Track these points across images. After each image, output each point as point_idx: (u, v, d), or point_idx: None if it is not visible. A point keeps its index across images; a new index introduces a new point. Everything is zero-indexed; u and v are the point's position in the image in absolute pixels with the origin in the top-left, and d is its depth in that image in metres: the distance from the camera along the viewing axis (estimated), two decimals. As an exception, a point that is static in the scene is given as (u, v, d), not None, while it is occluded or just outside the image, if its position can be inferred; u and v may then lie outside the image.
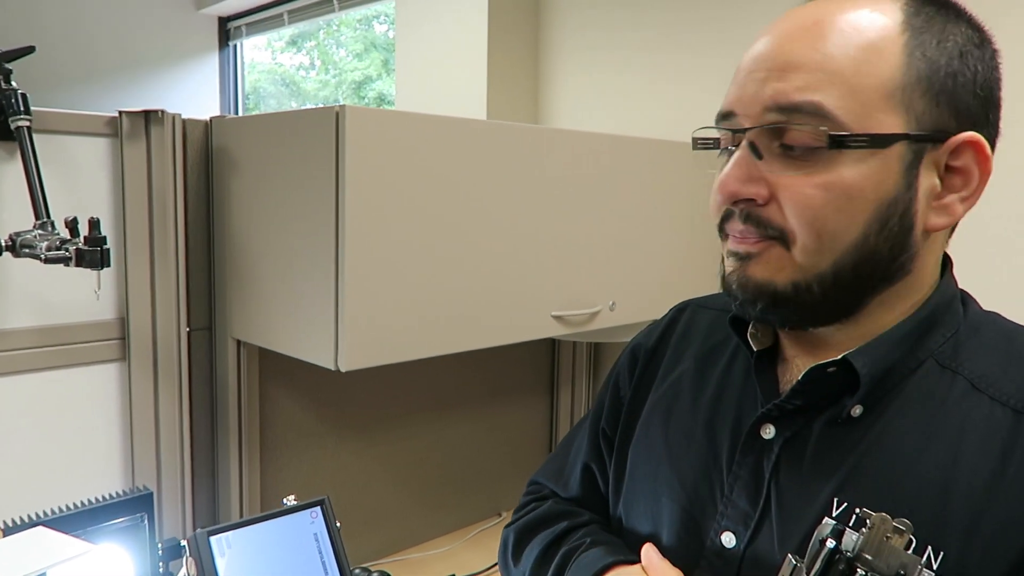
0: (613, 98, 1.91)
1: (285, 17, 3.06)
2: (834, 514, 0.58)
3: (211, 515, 1.39)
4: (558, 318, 1.37)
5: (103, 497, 0.93)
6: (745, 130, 0.59)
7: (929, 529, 0.55)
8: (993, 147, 0.60)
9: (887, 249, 0.58)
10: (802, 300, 0.59)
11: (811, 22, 0.58)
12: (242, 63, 3.52)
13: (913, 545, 0.55)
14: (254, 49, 3.79)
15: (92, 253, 0.90)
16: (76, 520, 0.89)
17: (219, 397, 1.35)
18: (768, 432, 0.64)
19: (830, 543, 0.54)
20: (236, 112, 3.48)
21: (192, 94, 3.34)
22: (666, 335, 0.81)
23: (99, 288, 1.02)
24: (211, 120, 1.30)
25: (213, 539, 0.68)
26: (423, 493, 1.69)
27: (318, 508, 0.74)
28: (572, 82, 1.99)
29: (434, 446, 1.69)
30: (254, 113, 3.82)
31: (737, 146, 0.60)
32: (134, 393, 1.26)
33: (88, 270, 0.99)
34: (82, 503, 0.92)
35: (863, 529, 0.53)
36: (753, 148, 0.58)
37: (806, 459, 0.62)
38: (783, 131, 0.57)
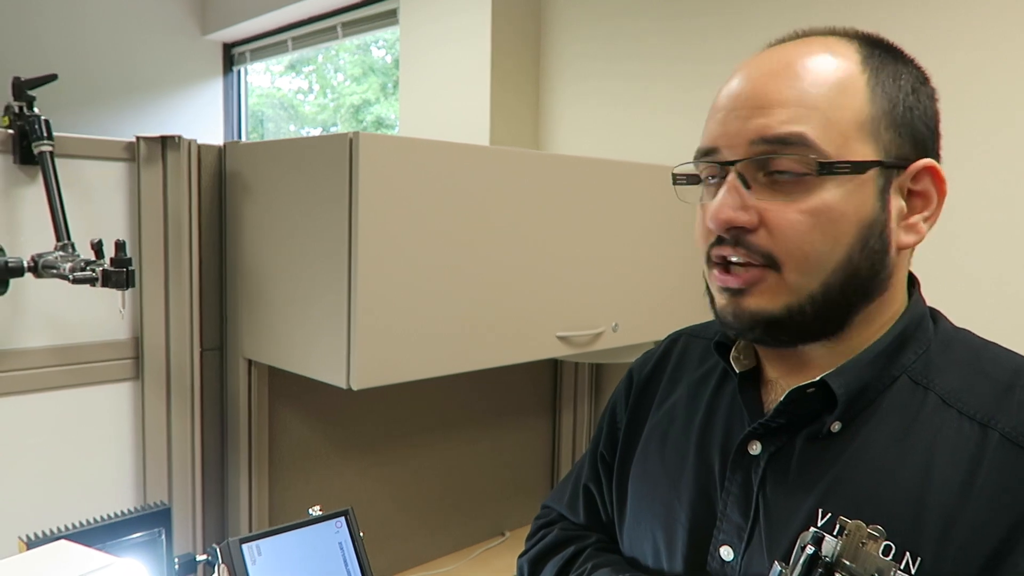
0: (611, 126, 1.95)
1: (289, 43, 3.12)
2: (819, 524, 0.62)
3: (220, 532, 1.41)
4: (563, 339, 1.40)
5: (121, 512, 0.95)
6: (733, 162, 0.63)
7: (906, 536, 0.59)
8: None
9: (868, 267, 0.63)
10: (795, 321, 0.64)
11: (783, 64, 0.64)
12: (246, 88, 3.57)
13: (892, 551, 0.59)
14: (253, 73, 3.85)
15: (118, 274, 0.93)
16: (96, 534, 0.91)
17: (229, 416, 1.38)
18: (755, 448, 0.68)
19: (809, 549, 0.57)
20: (240, 136, 3.53)
21: (196, 119, 3.39)
22: (661, 364, 0.85)
23: (124, 308, 1.05)
24: (225, 145, 1.34)
25: (244, 547, 0.71)
26: (427, 513, 1.71)
27: (342, 518, 0.76)
28: (572, 111, 2.04)
29: (438, 466, 1.71)
30: (254, 136, 3.87)
31: (723, 178, 0.64)
32: (147, 412, 1.29)
33: (106, 291, 1.01)
34: (101, 518, 0.94)
35: (841, 535, 0.57)
36: (742, 179, 0.63)
37: (790, 472, 0.66)
38: (768, 162, 0.62)
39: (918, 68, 0.67)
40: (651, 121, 1.87)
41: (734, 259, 0.64)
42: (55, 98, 1.25)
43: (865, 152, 0.62)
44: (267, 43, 3.24)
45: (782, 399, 0.66)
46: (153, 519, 0.95)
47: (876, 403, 0.65)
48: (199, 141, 1.30)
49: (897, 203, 0.64)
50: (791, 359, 0.69)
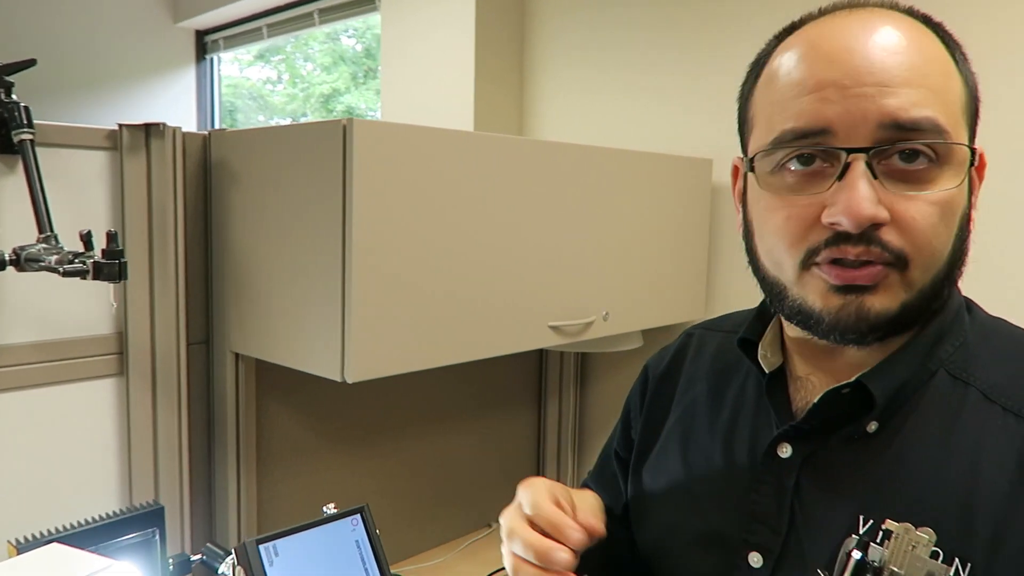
0: (596, 116, 1.94)
1: (264, 31, 3.06)
2: (861, 531, 0.59)
3: (208, 530, 1.38)
4: (555, 328, 1.39)
5: (113, 512, 0.92)
6: (863, 150, 0.56)
7: (955, 541, 0.55)
8: None
9: (961, 255, 0.60)
10: (905, 319, 0.59)
11: (884, 35, 0.57)
12: (219, 77, 3.50)
13: (940, 557, 0.56)
14: (226, 62, 3.77)
15: (111, 266, 0.90)
16: (88, 536, 0.88)
17: (217, 412, 1.35)
18: (785, 451, 0.65)
19: (856, 554, 0.55)
20: (213, 126, 3.46)
21: (169, 108, 3.31)
22: (677, 360, 0.82)
23: (115, 301, 1.01)
24: (210, 133, 1.30)
25: (261, 547, 0.68)
26: (416, 505, 1.69)
27: (358, 516, 0.74)
28: (556, 100, 2.02)
29: (426, 459, 1.70)
30: (227, 127, 3.79)
31: (832, 165, 0.57)
32: (132, 408, 1.25)
33: (88, 284, 0.98)
34: (93, 519, 0.91)
35: (888, 540, 0.54)
36: (869, 168, 0.56)
37: (828, 477, 0.62)
38: (895, 148, 0.56)
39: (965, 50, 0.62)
40: (636, 110, 1.86)
41: (852, 258, 0.57)
42: (24, 86, 1.21)
43: (965, 138, 0.59)
44: (241, 30, 3.17)
45: (816, 401, 0.63)
46: (146, 519, 0.92)
47: (913, 400, 0.61)
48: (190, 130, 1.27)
49: (970, 191, 0.61)
50: (826, 355, 0.65)
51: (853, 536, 0.58)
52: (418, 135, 1.15)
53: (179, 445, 1.29)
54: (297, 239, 1.16)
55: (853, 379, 0.61)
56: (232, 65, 3.96)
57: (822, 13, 0.62)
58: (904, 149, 0.56)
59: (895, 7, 0.61)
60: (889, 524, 0.56)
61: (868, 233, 0.56)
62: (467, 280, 1.23)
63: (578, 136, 1.97)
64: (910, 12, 0.62)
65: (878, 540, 0.56)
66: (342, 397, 1.53)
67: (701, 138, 1.74)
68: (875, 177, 0.56)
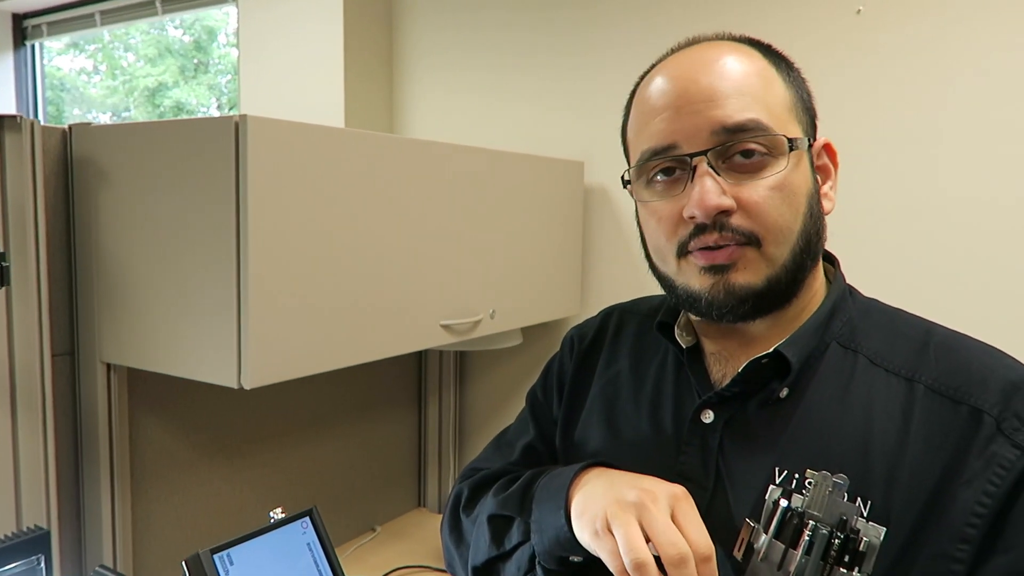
0: (469, 115, 1.97)
1: (97, 18, 2.83)
2: (778, 480, 0.68)
3: (78, 554, 1.27)
4: (446, 327, 1.40)
5: (-7, 542, 0.83)
6: (704, 152, 0.67)
7: (857, 483, 0.65)
8: None
9: (815, 232, 0.71)
10: (773, 292, 0.69)
11: (711, 62, 0.69)
12: (42, 66, 3.20)
13: (845, 498, 0.64)
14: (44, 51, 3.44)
15: (-8, 272, 0.81)
16: (-35, 570, 0.80)
17: (86, 427, 1.24)
18: (708, 417, 0.73)
19: (783, 503, 0.62)
20: (37, 118, 3.15)
21: (-17, 98, 2.99)
22: (600, 334, 0.90)
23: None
24: (70, 128, 1.21)
25: (216, 557, 0.65)
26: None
27: (307, 519, 0.72)
28: (427, 100, 2.03)
29: (307, 466, 1.66)
30: (52, 121, 3.47)
31: (685, 171, 0.68)
32: (-12, 429, 1.13)
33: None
34: (-30, 551, 0.82)
35: (807, 483, 0.62)
36: (711, 167, 0.67)
37: (747, 437, 0.71)
38: (731, 148, 0.67)
39: (792, 61, 0.76)
40: (509, 112, 1.91)
41: (712, 244, 0.67)
42: None
43: (796, 132, 0.69)
44: (69, 16, 2.91)
45: (740, 370, 0.71)
46: (31, 546, 0.85)
47: (814, 368, 0.71)
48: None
49: (815, 176, 0.72)
50: (734, 333, 0.75)
51: (775, 487, 0.65)
52: (313, 133, 1.13)
53: (44, 466, 1.18)
54: (182, 241, 1.10)
55: (771, 350, 0.70)
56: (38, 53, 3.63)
57: (673, 51, 0.75)
58: (739, 148, 0.67)
59: (727, 37, 0.74)
60: (809, 473, 0.65)
61: (719, 220, 0.67)
62: (364, 280, 1.21)
63: (448, 138, 1.99)
64: (740, 39, 0.74)
65: (794, 487, 0.64)
66: (220, 407, 1.46)
67: (573, 141, 1.81)
68: (719, 174, 0.67)
